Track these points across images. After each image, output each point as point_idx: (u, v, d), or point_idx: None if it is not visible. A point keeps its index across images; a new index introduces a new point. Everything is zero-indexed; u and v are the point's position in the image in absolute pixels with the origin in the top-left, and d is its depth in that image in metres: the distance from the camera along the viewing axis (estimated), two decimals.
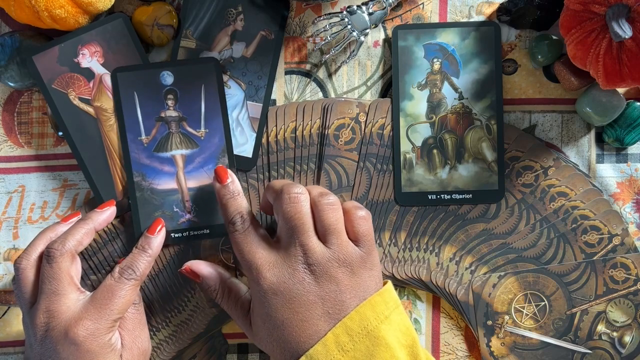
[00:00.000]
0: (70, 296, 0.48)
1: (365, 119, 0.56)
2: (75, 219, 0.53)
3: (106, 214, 0.52)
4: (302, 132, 0.56)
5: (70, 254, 0.49)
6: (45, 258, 0.48)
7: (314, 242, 0.46)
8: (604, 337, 0.55)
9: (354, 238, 0.47)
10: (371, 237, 0.48)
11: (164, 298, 0.56)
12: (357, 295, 0.46)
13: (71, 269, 0.49)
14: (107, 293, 0.48)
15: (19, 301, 0.50)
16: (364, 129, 0.56)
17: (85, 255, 0.56)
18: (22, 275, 0.49)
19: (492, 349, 0.55)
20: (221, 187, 0.51)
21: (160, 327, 0.56)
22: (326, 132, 0.56)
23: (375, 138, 0.56)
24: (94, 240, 0.56)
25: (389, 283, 0.48)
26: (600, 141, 0.57)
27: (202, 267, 0.52)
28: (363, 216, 0.47)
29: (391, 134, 0.56)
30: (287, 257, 0.46)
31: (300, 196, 0.47)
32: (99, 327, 0.47)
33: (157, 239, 0.52)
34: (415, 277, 0.56)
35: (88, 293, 0.49)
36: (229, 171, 0.52)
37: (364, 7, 0.55)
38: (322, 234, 0.47)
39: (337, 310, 0.45)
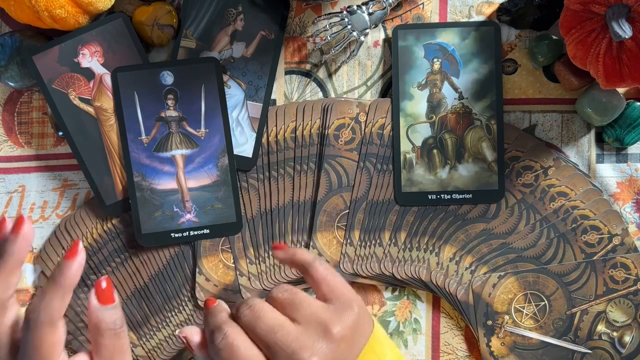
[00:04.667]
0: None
1: (365, 118, 0.56)
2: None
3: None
4: (302, 132, 0.56)
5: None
6: None
7: (283, 325, 0.39)
8: (604, 337, 0.55)
9: (328, 298, 0.41)
10: (343, 291, 0.41)
11: (163, 298, 0.56)
12: (356, 345, 0.40)
13: (5, 322, 0.39)
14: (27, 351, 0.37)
15: None
16: (364, 129, 0.56)
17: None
18: None
19: (492, 349, 0.55)
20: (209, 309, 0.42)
21: (160, 327, 0.56)
22: (326, 132, 0.56)
23: (375, 138, 0.56)
24: (94, 240, 0.56)
25: (376, 322, 0.43)
26: (600, 141, 0.57)
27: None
28: (328, 271, 0.42)
29: (391, 134, 0.56)
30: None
31: (228, 339, 0.39)
32: None
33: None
34: (415, 277, 0.56)
35: None
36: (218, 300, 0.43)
37: (364, 7, 0.55)
38: (291, 314, 0.40)
39: None
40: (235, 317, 0.40)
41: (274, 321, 0.39)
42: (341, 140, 0.56)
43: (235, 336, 0.39)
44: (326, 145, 0.56)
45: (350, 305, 0.41)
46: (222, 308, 0.42)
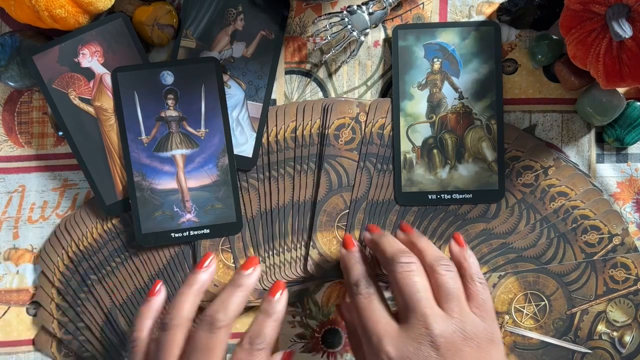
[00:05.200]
0: None
1: (365, 118, 0.56)
2: (208, 260, 0.49)
3: (255, 277, 0.47)
4: (302, 132, 0.56)
5: (230, 327, 0.44)
6: (207, 325, 0.43)
7: (435, 311, 0.43)
8: (604, 337, 0.55)
9: (474, 307, 0.45)
10: (492, 307, 0.45)
11: None
12: None
13: (226, 342, 0.44)
14: None
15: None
16: (364, 129, 0.56)
17: (85, 255, 0.56)
18: (173, 330, 0.44)
19: None
20: (347, 252, 0.50)
21: None
22: (326, 132, 0.56)
23: (375, 138, 0.56)
24: (94, 240, 0.56)
25: None
26: (600, 141, 0.57)
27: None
28: (482, 284, 0.46)
29: (391, 133, 0.56)
30: (409, 329, 0.43)
31: (412, 265, 0.45)
32: None
33: (280, 302, 0.46)
34: None
35: None
36: (356, 241, 0.51)
37: (364, 7, 0.55)
38: (442, 301, 0.44)
39: None
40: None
41: (424, 285, 0.45)
42: (341, 140, 0.56)
43: (420, 272, 0.45)
44: (326, 145, 0.56)
45: (493, 336, 0.44)
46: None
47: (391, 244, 0.48)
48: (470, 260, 0.47)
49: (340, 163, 0.56)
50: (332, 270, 0.55)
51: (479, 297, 0.45)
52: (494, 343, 0.43)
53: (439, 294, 0.44)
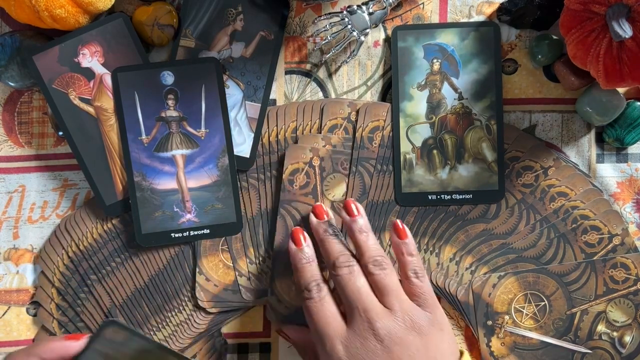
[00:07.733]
0: None
1: (319, 162, 0.55)
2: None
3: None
4: (302, 132, 0.56)
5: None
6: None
7: (375, 306, 0.46)
8: (604, 337, 0.55)
9: (415, 298, 0.47)
10: (433, 296, 0.48)
11: (163, 298, 0.56)
12: (431, 359, 0.45)
13: None
14: None
15: None
16: (354, 133, 0.56)
17: (85, 255, 0.56)
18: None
19: (492, 349, 0.55)
20: (297, 250, 0.50)
21: (160, 327, 0.56)
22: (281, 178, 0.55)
23: (366, 142, 0.56)
24: (94, 240, 0.56)
25: (466, 354, 0.48)
26: (600, 141, 0.57)
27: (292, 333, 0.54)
28: (420, 277, 0.48)
29: (383, 134, 0.56)
30: (355, 326, 0.46)
31: (351, 267, 0.48)
32: None
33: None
34: None
35: None
36: (305, 234, 0.51)
37: (364, 7, 0.55)
38: (381, 296, 0.47)
39: None
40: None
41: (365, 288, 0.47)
42: (296, 185, 0.55)
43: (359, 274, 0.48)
44: (282, 190, 0.55)
45: (435, 323, 0.47)
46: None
47: (333, 247, 0.50)
48: (407, 256, 0.49)
49: (296, 208, 0.55)
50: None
51: (416, 289, 0.48)
52: (436, 329, 0.46)
53: (377, 291, 0.47)
